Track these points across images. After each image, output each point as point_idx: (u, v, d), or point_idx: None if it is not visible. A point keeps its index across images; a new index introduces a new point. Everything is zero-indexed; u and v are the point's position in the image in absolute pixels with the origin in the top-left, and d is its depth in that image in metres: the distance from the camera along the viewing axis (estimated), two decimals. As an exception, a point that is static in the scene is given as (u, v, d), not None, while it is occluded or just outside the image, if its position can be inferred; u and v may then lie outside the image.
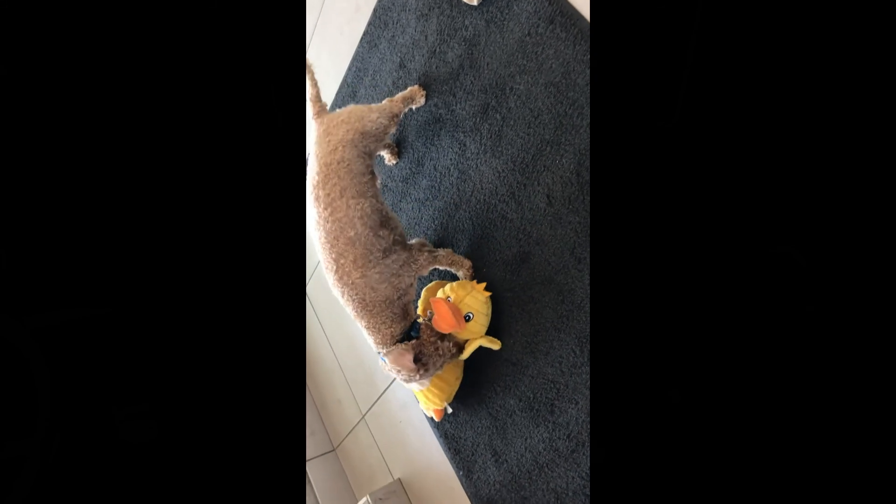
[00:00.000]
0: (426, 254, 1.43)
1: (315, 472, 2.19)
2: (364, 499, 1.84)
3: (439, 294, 1.49)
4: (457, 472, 1.65)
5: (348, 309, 1.38)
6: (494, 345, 1.45)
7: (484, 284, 1.45)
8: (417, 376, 1.34)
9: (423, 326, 1.38)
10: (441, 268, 1.50)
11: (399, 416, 1.90)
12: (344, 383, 2.19)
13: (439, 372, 1.45)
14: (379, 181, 1.47)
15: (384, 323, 1.36)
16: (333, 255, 1.33)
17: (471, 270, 1.50)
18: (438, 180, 1.61)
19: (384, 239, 1.34)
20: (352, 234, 1.30)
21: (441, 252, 1.47)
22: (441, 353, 1.36)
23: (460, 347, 1.40)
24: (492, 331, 1.48)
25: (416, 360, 1.32)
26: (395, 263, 1.36)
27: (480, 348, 1.44)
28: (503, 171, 1.42)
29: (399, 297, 1.38)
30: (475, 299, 1.42)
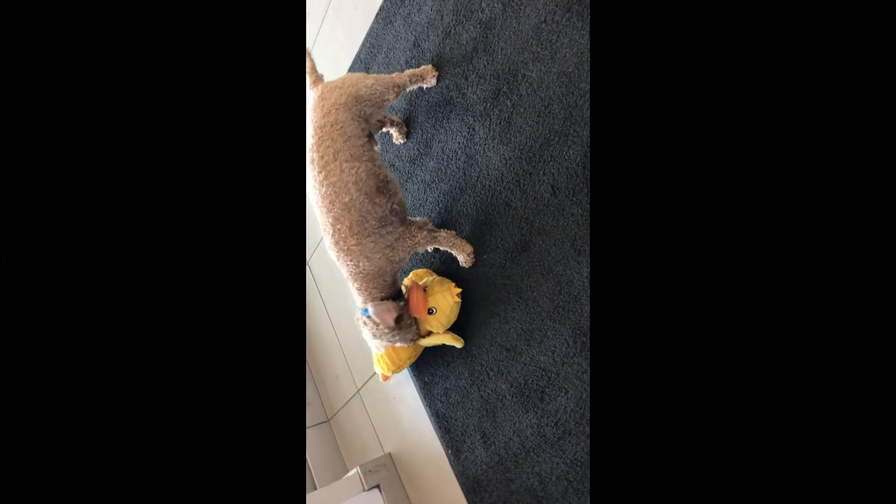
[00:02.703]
0: (426, 232, 1.44)
1: (308, 441, 2.24)
2: (354, 469, 1.88)
3: (425, 280, 1.57)
4: (445, 451, 1.69)
5: (342, 270, 1.40)
6: (457, 342, 1.57)
7: (459, 290, 1.53)
8: (392, 335, 1.40)
9: (408, 297, 1.45)
10: (441, 248, 1.52)
11: (393, 394, 1.94)
12: (342, 359, 2.23)
13: (396, 345, 1.56)
14: (377, 147, 1.47)
15: (376, 288, 1.40)
16: (330, 219, 1.33)
17: (471, 255, 1.51)
18: (445, 163, 1.61)
19: (381, 206, 1.33)
20: (347, 199, 1.29)
21: (442, 233, 1.48)
22: (410, 330, 1.45)
23: (420, 334, 1.52)
24: (488, 315, 1.51)
25: (398, 320, 1.37)
26: (391, 236, 1.37)
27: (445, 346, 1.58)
28: (510, 158, 1.42)
29: (391, 269, 1.41)
30: (444, 298, 1.51)
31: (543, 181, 1.34)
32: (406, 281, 1.60)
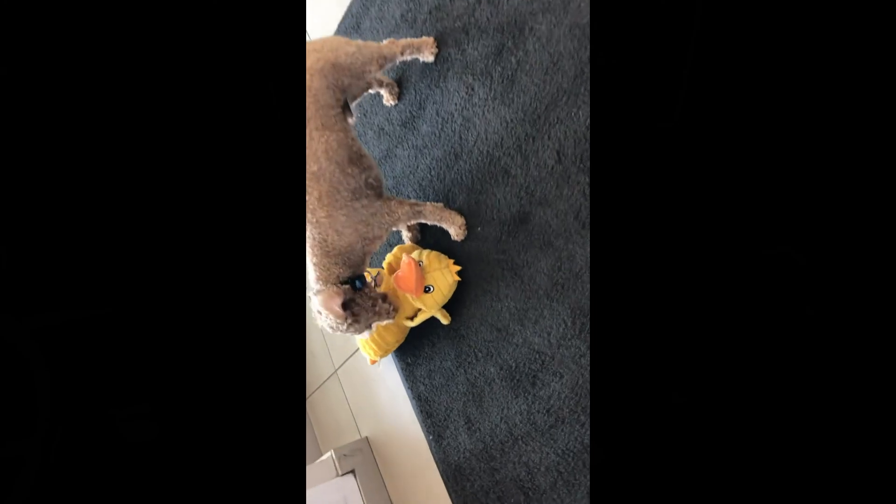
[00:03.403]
0: (407, 207, 1.32)
1: (281, 422, 2.12)
2: (328, 453, 1.77)
3: (415, 255, 1.45)
4: (426, 436, 1.59)
5: (308, 248, 1.27)
6: (445, 319, 1.48)
7: (458, 268, 1.42)
8: (344, 325, 1.25)
9: (368, 281, 1.30)
10: (429, 223, 1.40)
11: (372, 374, 1.82)
12: (319, 336, 2.10)
13: (380, 326, 1.45)
14: (353, 119, 1.35)
15: (337, 265, 1.25)
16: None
17: (463, 227, 1.40)
18: (440, 126, 1.48)
19: (353, 178, 1.23)
20: (315, 168, 1.19)
21: (428, 206, 1.36)
22: (378, 311, 1.30)
23: (396, 309, 1.37)
24: (479, 293, 1.39)
25: (346, 307, 1.23)
26: (366, 210, 1.25)
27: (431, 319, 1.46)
28: (512, 120, 1.30)
29: (362, 247, 1.27)
30: (443, 277, 1.41)
31: (548, 146, 1.23)
32: (389, 257, 1.48)
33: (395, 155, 1.62)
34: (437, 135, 1.48)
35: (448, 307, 1.47)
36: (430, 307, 1.42)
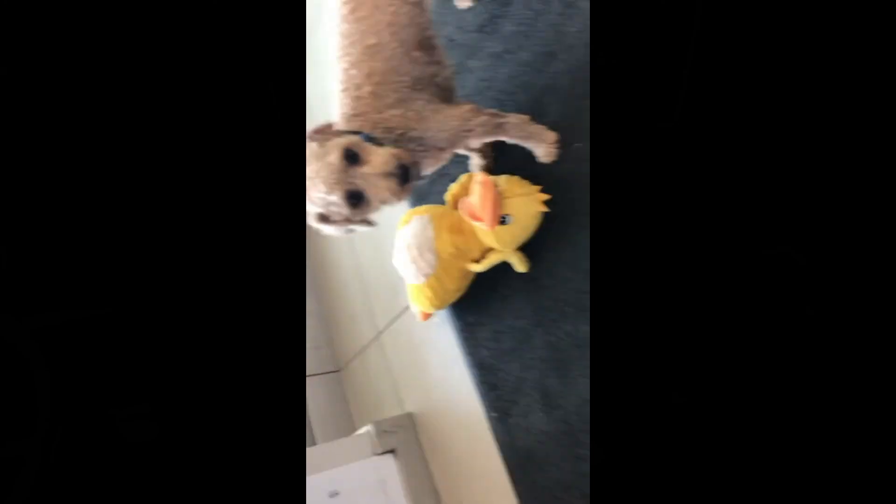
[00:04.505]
0: (485, 116, 1.02)
1: (312, 392, 1.87)
2: (367, 427, 1.50)
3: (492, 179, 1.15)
4: (487, 413, 1.29)
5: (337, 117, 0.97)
6: (522, 264, 1.16)
7: (545, 196, 1.11)
8: (339, 189, 0.85)
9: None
10: (510, 141, 1.09)
11: (421, 336, 1.54)
12: (362, 294, 1.84)
13: (440, 269, 1.16)
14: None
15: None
16: (344, 65, 0.95)
17: (556, 145, 1.09)
18: (531, 22, 1.18)
19: (419, 65, 0.97)
20: (372, 41, 0.93)
21: (511, 117, 1.06)
22: (377, 188, 0.86)
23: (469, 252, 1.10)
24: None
25: (351, 157, 0.85)
26: (425, 102, 0.97)
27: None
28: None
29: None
30: (525, 206, 1.10)
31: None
32: (454, 185, 1.19)
33: (467, 68, 1.33)
34: (526, 34, 1.19)
35: (526, 250, 1.16)
36: (506, 244, 1.12)
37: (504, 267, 1.22)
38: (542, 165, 1.13)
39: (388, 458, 1.48)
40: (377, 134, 0.92)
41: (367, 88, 0.94)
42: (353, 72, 0.94)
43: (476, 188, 1.08)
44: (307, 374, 1.91)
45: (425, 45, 0.98)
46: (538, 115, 1.15)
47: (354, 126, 0.93)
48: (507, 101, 1.22)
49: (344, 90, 0.95)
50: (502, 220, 1.10)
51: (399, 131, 0.94)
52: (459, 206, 1.13)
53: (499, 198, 1.09)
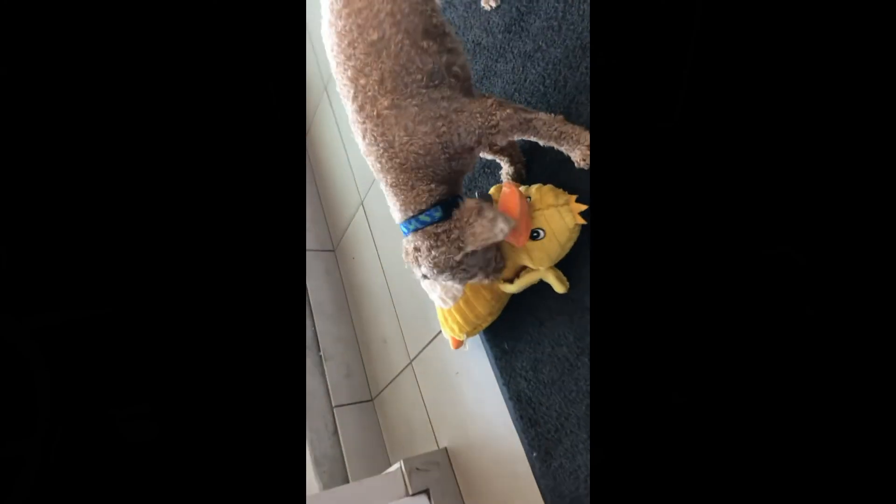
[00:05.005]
0: (510, 110, 0.91)
1: (344, 423, 1.77)
2: (397, 465, 1.38)
3: (522, 189, 1.03)
4: (528, 453, 1.15)
5: (370, 163, 0.91)
6: (560, 284, 1.02)
7: (582, 207, 0.97)
8: (474, 265, 0.93)
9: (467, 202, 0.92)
10: (541, 142, 0.97)
11: (455, 366, 1.42)
12: (394, 319, 1.74)
13: (468, 292, 1.07)
14: None
15: (420, 180, 0.88)
16: (350, 73, 0.86)
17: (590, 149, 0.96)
18: (561, 15, 1.07)
19: (430, 56, 0.86)
20: (375, 37, 0.84)
21: (541, 115, 0.94)
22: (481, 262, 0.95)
23: (504, 271, 1.00)
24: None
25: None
26: (447, 102, 0.88)
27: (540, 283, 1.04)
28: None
29: (447, 157, 0.88)
30: (559, 218, 0.96)
31: None
32: (494, 189, 1.08)
33: (495, 71, 1.23)
34: (557, 28, 1.07)
35: (565, 267, 1.03)
36: (540, 262, 1.00)
37: (541, 287, 1.09)
38: (580, 172, 1.00)
39: (422, 500, 1.35)
40: (438, 183, 0.90)
41: (384, 102, 0.85)
42: (363, 81, 0.86)
43: (502, 198, 0.97)
44: (340, 403, 1.82)
45: (434, 32, 0.89)
46: (573, 115, 1.03)
47: (415, 177, 0.89)
48: (538, 102, 1.11)
49: (360, 109, 0.87)
50: (534, 236, 0.97)
51: (433, 153, 0.87)
52: None
53: (528, 209, 0.96)
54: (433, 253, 0.90)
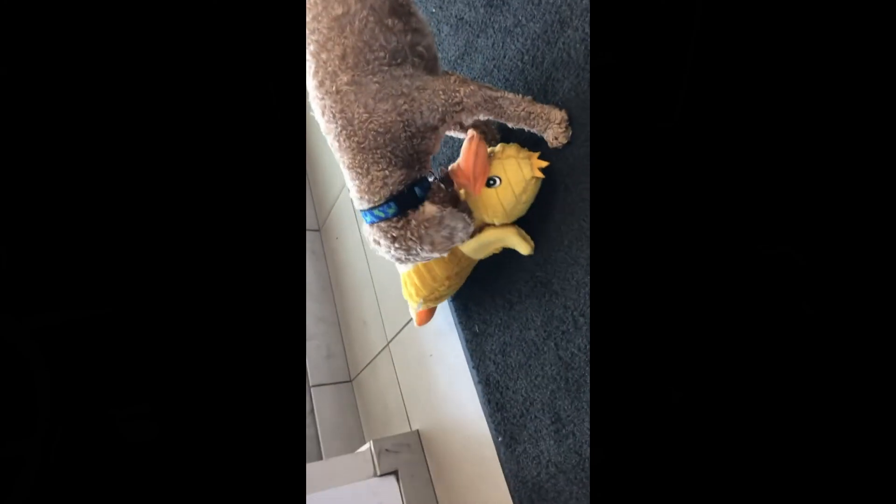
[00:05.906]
0: (473, 87, 0.89)
1: (322, 402, 1.76)
2: (367, 444, 1.37)
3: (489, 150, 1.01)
4: (494, 437, 1.13)
5: (329, 141, 0.89)
6: (522, 247, 1.00)
7: (544, 163, 0.96)
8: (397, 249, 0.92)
9: (434, 186, 0.91)
10: (510, 124, 0.95)
11: (429, 348, 1.40)
12: (373, 299, 1.73)
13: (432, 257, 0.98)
14: None
15: (378, 162, 0.85)
16: (312, 48, 0.84)
17: (564, 125, 0.93)
18: (540, -13, 1.03)
19: (395, 35, 0.85)
20: (340, 11, 0.82)
21: (508, 94, 0.92)
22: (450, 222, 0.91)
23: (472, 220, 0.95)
24: (584, 227, 0.92)
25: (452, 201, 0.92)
26: (409, 80, 0.86)
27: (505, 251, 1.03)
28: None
29: (408, 136, 0.86)
30: (517, 167, 0.95)
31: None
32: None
33: (476, 47, 1.19)
34: (537, 2, 1.04)
35: (539, 249, 1.01)
36: (496, 213, 0.97)
37: (513, 269, 1.07)
38: (555, 153, 0.97)
39: (390, 481, 1.34)
40: (398, 167, 0.88)
41: (344, 77, 0.83)
42: (324, 56, 0.83)
43: (465, 144, 0.94)
44: (319, 383, 1.81)
45: (400, 11, 0.86)
46: (549, 92, 1.00)
47: (373, 158, 0.86)
48: (516, 80, 1.08)
49: (319, 85, 0.85)
50: (490, 183, 0.95)
51: (394, 131, 0.84)
52: (449, 174, 0.97)
53: (486, 156, 0.95)
54: (392, 251, 0.92)
